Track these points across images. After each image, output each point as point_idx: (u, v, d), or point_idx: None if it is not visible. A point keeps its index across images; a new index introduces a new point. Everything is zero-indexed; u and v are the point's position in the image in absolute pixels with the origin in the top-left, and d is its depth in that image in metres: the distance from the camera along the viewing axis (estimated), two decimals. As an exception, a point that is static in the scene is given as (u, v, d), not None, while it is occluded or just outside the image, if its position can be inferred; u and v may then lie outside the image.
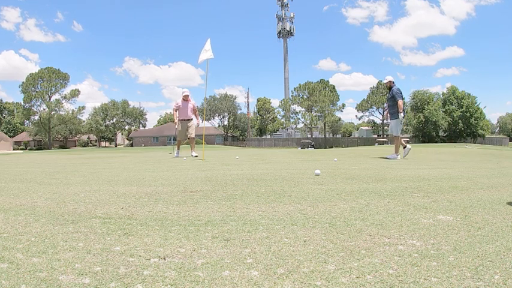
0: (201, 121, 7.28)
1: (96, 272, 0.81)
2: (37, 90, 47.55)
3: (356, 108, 49.73)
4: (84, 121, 56.05)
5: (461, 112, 40.22)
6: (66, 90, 49.49)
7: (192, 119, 6.89)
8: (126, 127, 62.73)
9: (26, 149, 49.94)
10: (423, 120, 40.41)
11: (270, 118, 63.99)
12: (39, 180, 2.77)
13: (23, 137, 58.67)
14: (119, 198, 1.81)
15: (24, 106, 48.14)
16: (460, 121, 39.96)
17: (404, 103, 6.11)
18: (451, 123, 40.28)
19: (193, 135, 6.82)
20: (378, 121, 46.64)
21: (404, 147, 6.15)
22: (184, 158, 6.04)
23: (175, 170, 3.54)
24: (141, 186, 2.27)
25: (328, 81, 45.96)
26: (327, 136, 46.49)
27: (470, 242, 0.99)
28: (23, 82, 47.16)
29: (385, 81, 6.55)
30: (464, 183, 2.24)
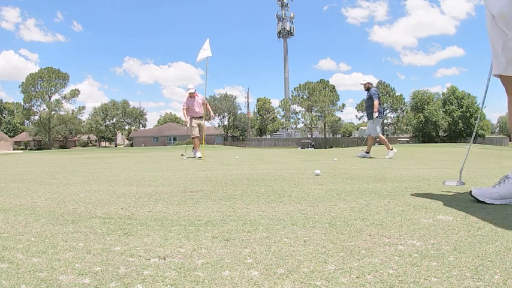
0: (212, 113, 6.96)
1: (96, 272, 0.81)
2: (37, 90, 47.53)
3: (356, 108, 49.69)
4: (84, 121, 56.02)
5: (461, 112, 40.21)
6: (66, 90, 49.46)
7: (202, 116, 6.57)
8: (126, 127, 62.71)
9: (26, 149, 49.94)
10: (423, 120, 40.40)
11: (270, 118, 63.97)
12: (39, 180, 2.77)
13: (23, 137, 58.64)
14: (119, 198, 1.81)
15: (24, 106, 48.12)
16: (460, 121, 39.95)
17: (380, 104, 6.38)
18: (451, 123, 40.27)
19: (203, 134, 6.56)
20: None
21: (391, 149, 6.34)
22: (185, 158, 6.02)
23: (175, 170, 3.54)
24: (141, 186, 2.27)
25: (328, 81, 45.93)
26: (327, 136, 46.48)
27: (470, 242, 0.99)
28: (22, 82, 47.14)
29: (364, 82, 6.77)
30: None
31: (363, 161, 5.04)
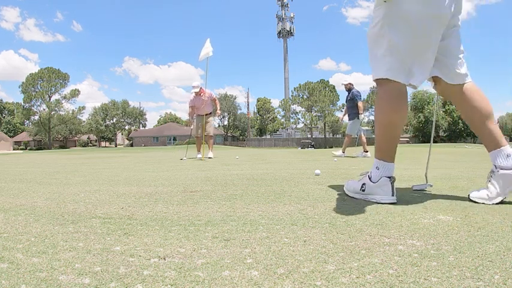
0: (219, 111, 6.46)
1: (96, 272, 0.81)
2: (37, 90, 47.56)
3: (356, 108, 49.45)
4: (84, 121, 56.05)
5: (461, 112, 40.02)
6: (66, 90, 49.48)
7: (209, 114, 6.18)
8: (126, 127, 62.74)
9: (26, 149, 49.96)
10: (423, 120, 40.40)
11: (270, 118, 63.99)
12: (39, 180, 2.77)
13: (23, 137, 58.66)
14: (119, 198, 1.81)
15: (24, 106, 48.15)
16: (460, 121, 39.95)
17: (364, 105, 6.66)
18: (451, 123, 40.27)
19: (210, 133, 6.18)
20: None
21: (366, 151, 6.57)
22: (184, 158, 6.00)
23: (175, 170, 3.54)
24: (141, 186, 2.27)
25: (328, 81, 45.98)
26: (327, 136, 46.46)
27: (470, 242, 0.99)
28: (22, 82, 47.18)
29: (345, 82, 7.02)
30: (464, 183, 2.24)
31: (363, 161, 5.04)
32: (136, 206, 1.57)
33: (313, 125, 44.33)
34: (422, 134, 40.69)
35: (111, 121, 58.84)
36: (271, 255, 0.91)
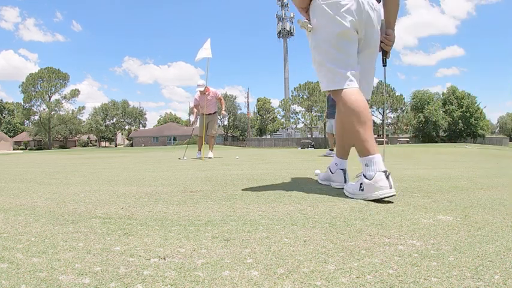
0: (226, 113, 6.52)
1: (96, 272, 0.81)
2: (37, 90, 47.55)
3: (356, 108, 49.33)
4: (84, 121, 56.03)
5: (461, 112, 40.17)
6: (66, 90, 49.46)
7: (213, 113, 6.12)
8: (126, 127, 62.72)
9: (26, 149, 49.96)
10: (423, 120, 40.37)
11: (270, 118, 63.98)
12: (39, 180, 2.77)
13: (23, 137, 58.64)
14: (119, 198, 1.81)
15: (24, 106, 48.13)
16: (460, 121, 39.93)
17: None
18: (451, 123, 40.25)
19: (213, 133, 6.14)
20: (378, 121, 46.58)
21: (332, 149, 6.68)
22: (185, 157, 5.99)
23: (175, 170, 3.54)
24: (141, 186, 2.27)
25: (328, 81, 45.70)
26: (327, 136, 46.38)
27: (470, 242, 0.99)
28: (23, 82, 47.17)
29: None
30: (464, 183, 2.24)
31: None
32: (136, 206, 1.57)
33: (313, 125, 44.32)
34: (422, 134, 40.67)
35: (111, 121, 58.83)
36: (271, 255, 0.91)
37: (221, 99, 6.36)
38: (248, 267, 0.84)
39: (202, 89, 5.96)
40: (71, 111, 49.95)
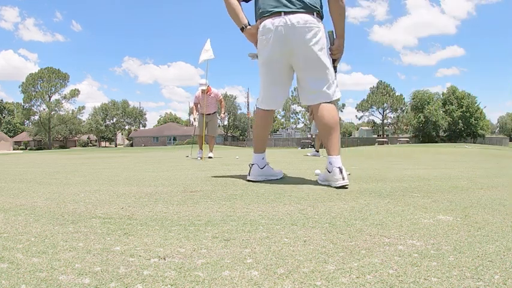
0: (226, 115, 6.51)
1: (96, 272, 0.81)
2: (37, 90, 47.54)
3: (356, 108, 49.58)
4: (84, 121, 56.00)
5: (461, 112, 40.15)
6: (66, 90, 49.44)
7: (213, 114, 6.10)
8: (126, 127, 62.69)
9: (26, 149, 49.94)
10: (423, 120, 40.35)
11: (270, 118, 63.62)
12: (39, 180, 2.77)
13: (23, 137, 58.62)
14: (119, 198, 1.81)
15: (24, 106, 48.13)
16: (460, 121, 39.91)
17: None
18: (451, 123, 40.23)
19: (213, 134, 6.13)
20: (378, 121, 46.58)
21: (317, 151, 6.75)
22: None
23: (175, 170, 3.54)
24: (141, 186, 2.27)
25: (328, 81, 45.71)
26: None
27: (470, 242, 0.99)
28: (23, 82, 47.18)
29: None
30: (464, 183, 2.24)
31: (363, 161, 5.04)
32: (137, 206, 1.57)
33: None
34: (422, 134, 40.66)
35: (111, 121, 58.83)
36: (271, 255, 0.91)
37: (222, 101, 6.34)
38: (248, 267, 0.84)
39: (204, 87, 5.92)
40: (71, 111, 49.96)
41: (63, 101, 48.30)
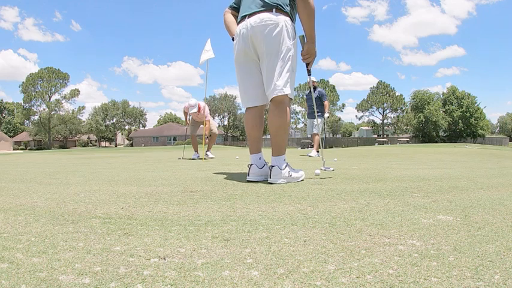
0: (215, 123, 6.16)
1: (96, 272, 0.81)
2: (37, 90, 47.52)
3: (356, 108, 49.59)
4: (84, 121, 55.99)
5: (461, 112, 40.16)
6: (66, 90, 49.42)
7: (208, 119, 6.01)
8: (126, 127, 62.67)
9: (26, 149, 49.93)
10: (423, 120, 40.36)
11: (270, 118, 63.63)
12: (39, 180, 2.77)
13: (23, 137, 58.60)
14: (119, 198, 1.81)
15: (24, 106, 48.11)
16: (460, 121, 39.91)
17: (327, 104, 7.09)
18: (451, 123, 40.23)
19: (214, 131, 6.08)
20: (378, 121, 46.58)
21: (317, 151, 6.77)
22: (181, 158, 5.96)
23: (175, 170, 3.54)
24: (141, 186, 2.27)
25: (328, 81, 45.96)
26: (327, 136, 46.49)
27: (470, 242, 0.99)
28: (22, 82, 47.17)
29: (314, 80, 7.47)
30: (464, 183, 2.24)
31: (363, 161, 5.04)
32: (137, 206, 1.57)
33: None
34: (422, 134, 40.67)
35: (111, 121, 58.84)
36: (271, 255, 0.91)
37: (208, 122, 5.86)
38: (248, 267, 0.84)
39: (195, 110, 5.57)
40: (70, 111, 49.97)
41: (63, 101, 48.30)
